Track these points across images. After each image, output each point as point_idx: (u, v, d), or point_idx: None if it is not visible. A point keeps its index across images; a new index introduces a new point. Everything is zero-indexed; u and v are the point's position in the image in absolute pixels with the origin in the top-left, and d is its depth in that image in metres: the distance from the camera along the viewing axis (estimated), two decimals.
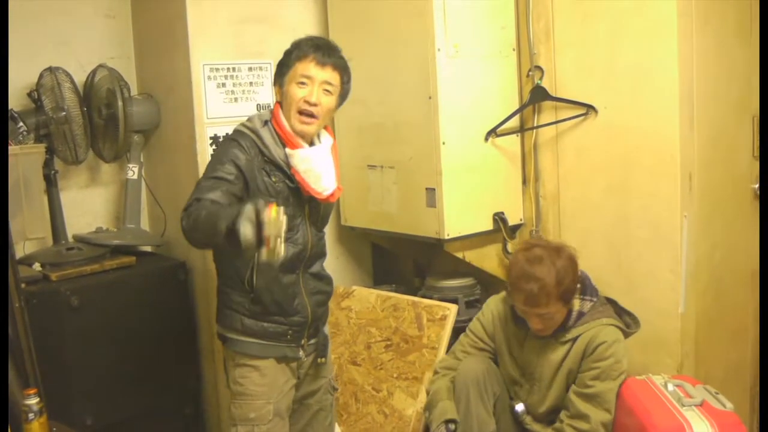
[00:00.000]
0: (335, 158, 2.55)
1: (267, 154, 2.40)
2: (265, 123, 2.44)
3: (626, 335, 2.70)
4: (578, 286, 2.70)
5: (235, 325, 2.47)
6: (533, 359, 2.75)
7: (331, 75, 2.42)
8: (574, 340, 2.68)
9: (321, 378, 2.66)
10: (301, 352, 2.52)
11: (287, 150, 2.40)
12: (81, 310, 2.94)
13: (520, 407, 2.79)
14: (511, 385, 2.83)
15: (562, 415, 2.66)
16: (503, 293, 2.94)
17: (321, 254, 2.61)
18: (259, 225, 1.98)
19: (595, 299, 2.74)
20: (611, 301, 2.81)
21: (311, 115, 2.40)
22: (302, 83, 2.39)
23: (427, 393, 2.95)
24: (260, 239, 1.98)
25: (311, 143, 2.48)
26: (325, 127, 2.54)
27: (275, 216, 1.98)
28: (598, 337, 2.63)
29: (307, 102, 2.39)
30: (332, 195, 2.49)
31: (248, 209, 1.99)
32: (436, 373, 2.95)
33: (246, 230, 1.96)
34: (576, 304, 2.71)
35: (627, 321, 2.75)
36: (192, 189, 2.38)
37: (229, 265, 2.47)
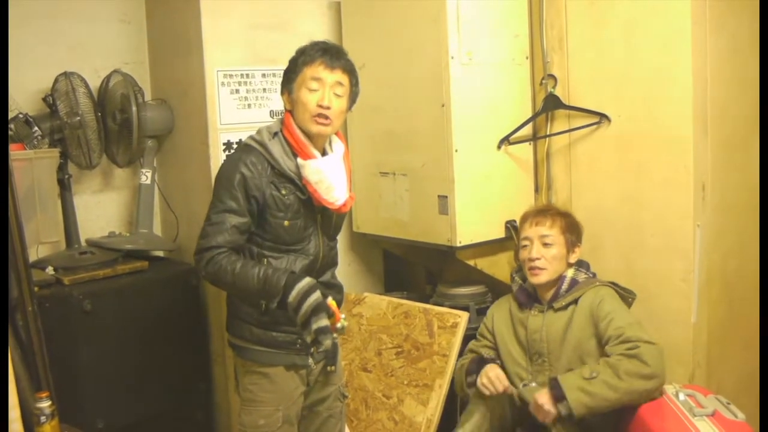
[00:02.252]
0: (347, 165, 2.54)
1: (277, 167, 2.39)
2: (275, 134, 2.42)
3: (623, 297, 2.78)
4: (578, 248, 2.86)
5: (245, 334, 2.47)
6: (538, 336, 2.80)
7: (340, 77, 2.41)
8: (575, 303, 2.76)
9: (331, 385, 2.66)
10: (310, 360, 2.52)
11: (299, 161, 2.39)
12: (93, 314, 2.95)
13: (533, 385, 2.79)
14: (519, 375, 2.84)
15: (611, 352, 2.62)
16: (507, 295, 3.03)
17: (332, 264, 2.60)
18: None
19: (591, 274, 2.85)
20: (612, 283, 2.85)
21: (326, 117, 2.39)
22: (313, 88, 2.39)
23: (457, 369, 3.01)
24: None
25: (323, 151, 2.47)
26: (337, 134, 2.54)
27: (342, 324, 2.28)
28: (596, 298, 2.73)
29: (320, 106, 2.37)
30: (344, 205, 2.48)
31: (319, 303, 2.23)
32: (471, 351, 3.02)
33: (321, 322, 2.22)
34: (570, 272, 2.83)
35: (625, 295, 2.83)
36: (204, 196, 2.39)
37: None
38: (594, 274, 2.86)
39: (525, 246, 2.86)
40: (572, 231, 2.86)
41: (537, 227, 2.84)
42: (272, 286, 2.25)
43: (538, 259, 2.80)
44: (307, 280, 2.26)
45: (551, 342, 2.77)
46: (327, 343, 2.20)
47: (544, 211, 2.90)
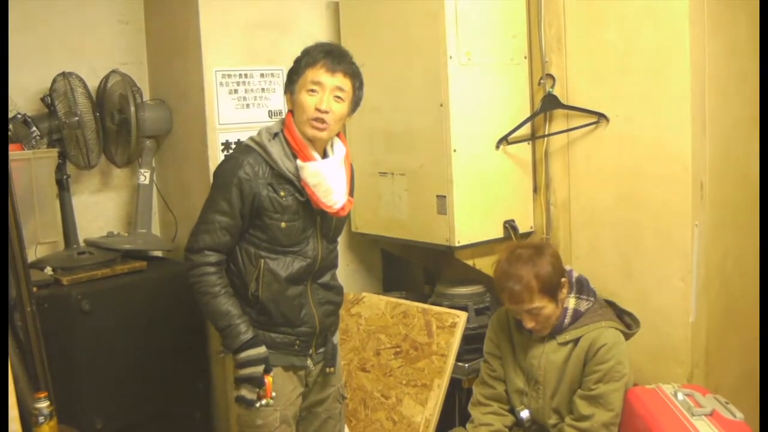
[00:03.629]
0: (348, 168, 2.54)
1: (276, 169, 2.38)
2: (275, 135, 2.42)
3: (627, 336, 2.71)
4: (564, 281, 2.69)
5: None
6: (536, 363, 2.74)
7: (341, 81, 2.40)
8: (576, 342, 2.67)
9: (330, 386, 2.66)
10: (309, 362, 2.52)
11: (298, 162, 2.38)
12: (92, 314, 2.95)
13: (525, 414, 2.77)
14: (517, 395, 2.82)
15: (567, 418, 2.67)
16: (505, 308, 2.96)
17: (331, 266, 2.60)
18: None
19: (592, 299, 2.74)
20: (610, 303, 2.81)
21: (323, 122, 2.38)
22: (313, 90, 2.37)
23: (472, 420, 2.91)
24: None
25: (324, 153, 2.46)
26: (339, 135, 2.52)
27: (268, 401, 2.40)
28: (599, 340, 2.63)
29: (318, 110, 2.36)
30: (342, 208, 2.47)
31: (256, 377, 2.37)
32: (480, 403, 2.90)
33: (247, 393, 2.37)
34: (572, 302, 2.71)
35: (627, 321, 2.75)
36: (202, 196, 2.40)
37: (235, 277, 2.46)
38: (594, 292, 2.76)
39: (515, 314, 2.73)
40: (552, 278, 2.64)
41: (518, 305, 2.64)
42: (231, 338, 2.38)
43: (536, 329, 2.69)
44: (258, 351, 2.38)
45: (548, 372, 2.71)
46: (242, 402, 2.39)
47: (516, 291, 2.61)
